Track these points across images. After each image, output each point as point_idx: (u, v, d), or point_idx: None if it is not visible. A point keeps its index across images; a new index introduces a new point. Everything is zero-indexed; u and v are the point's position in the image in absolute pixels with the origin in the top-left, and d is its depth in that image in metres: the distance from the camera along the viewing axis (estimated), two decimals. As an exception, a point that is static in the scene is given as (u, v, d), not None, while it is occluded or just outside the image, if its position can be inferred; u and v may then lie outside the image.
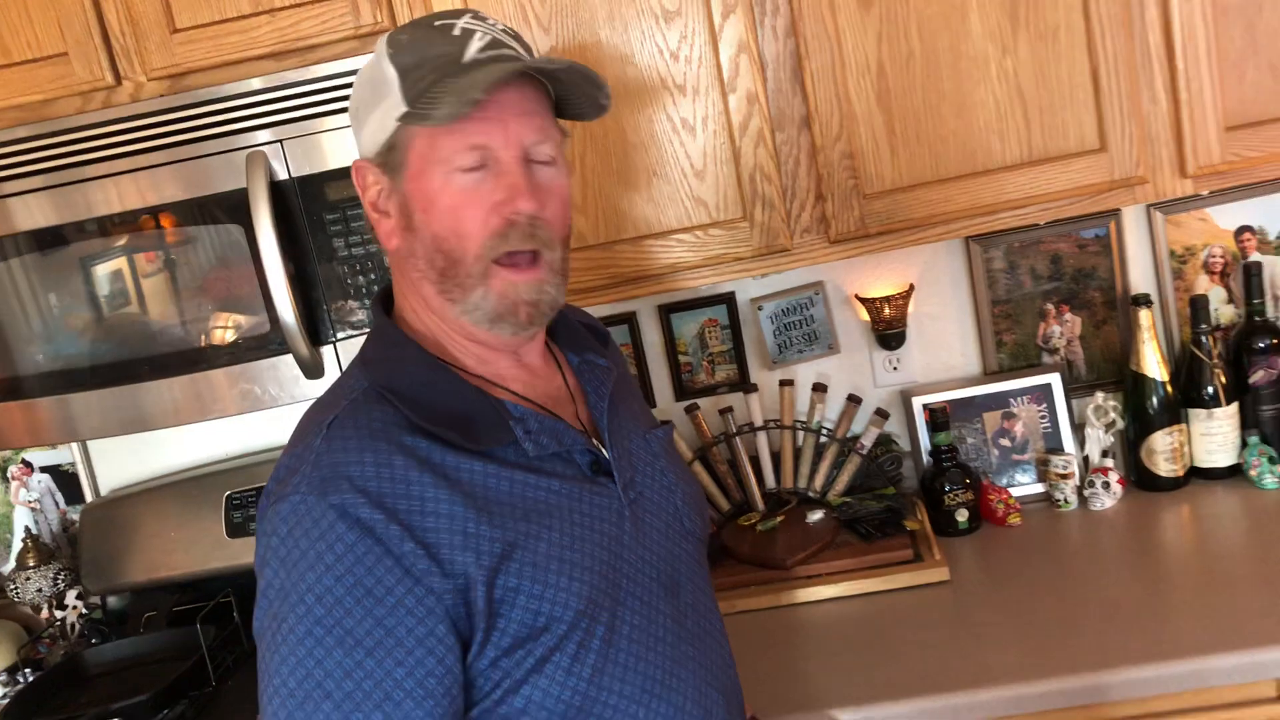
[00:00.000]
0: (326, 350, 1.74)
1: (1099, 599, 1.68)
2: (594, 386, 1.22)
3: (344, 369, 1.18)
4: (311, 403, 1.14)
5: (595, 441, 1.16)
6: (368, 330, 1.71)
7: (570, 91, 1.12)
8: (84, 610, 2.19)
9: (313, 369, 1.72)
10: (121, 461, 2.27)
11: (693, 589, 1.21)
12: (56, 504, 2.29)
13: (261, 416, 2.18)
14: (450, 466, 1.03)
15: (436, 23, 1.09)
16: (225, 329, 1.75)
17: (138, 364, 1.76)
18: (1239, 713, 1.49)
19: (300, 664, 0.95)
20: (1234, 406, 1.98)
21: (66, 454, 2.27)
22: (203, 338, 1.75)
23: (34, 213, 1.75)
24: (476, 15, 1.10)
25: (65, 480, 2.29)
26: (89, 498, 2.28)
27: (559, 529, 1.06)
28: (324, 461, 1.00)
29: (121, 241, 1.75)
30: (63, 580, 2.18)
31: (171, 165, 1.71)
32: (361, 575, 0.96)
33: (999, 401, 2.09)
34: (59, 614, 2.16)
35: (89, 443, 2.27)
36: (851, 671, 1.61)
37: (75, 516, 2.27)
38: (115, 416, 1.77)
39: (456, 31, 1.07)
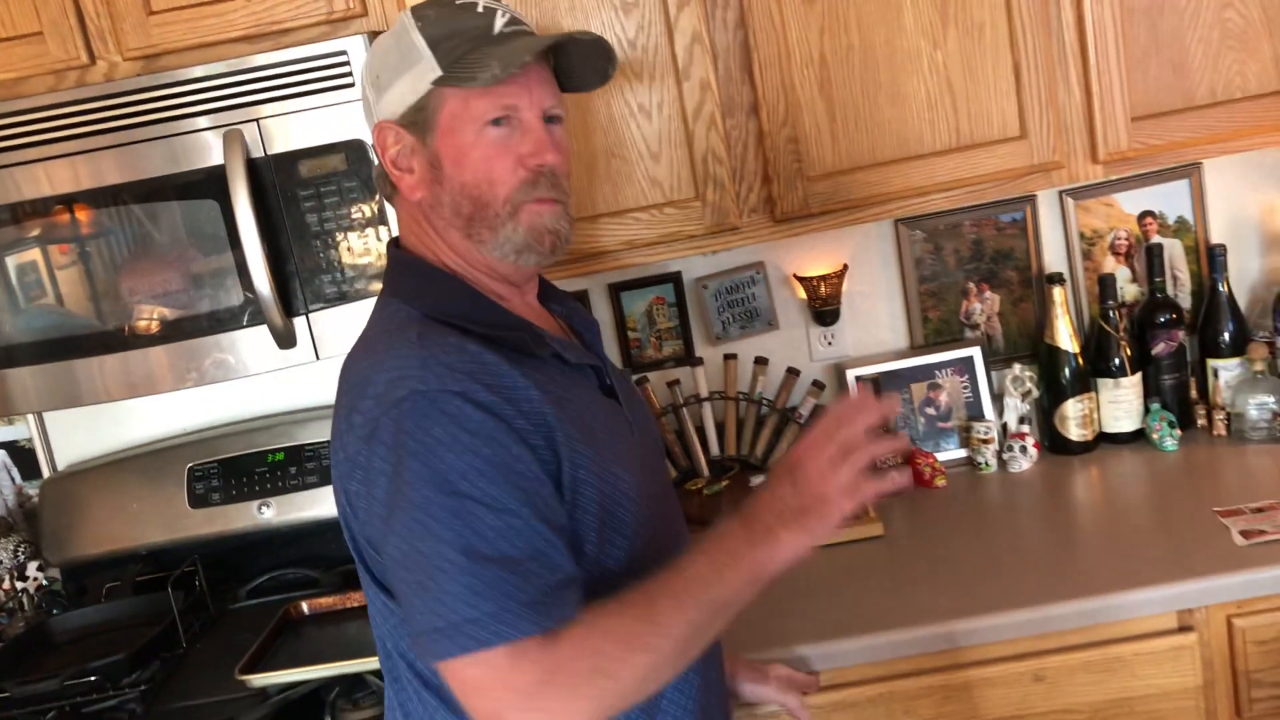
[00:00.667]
0: (299, 321, 1.81)
1: (1018, 549, 1.84)
2: (586, 329, 1.37)
3: (377, 308, 1.27)
4: (360, 341, 1.24)
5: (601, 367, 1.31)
6: (343, 301, 1.80)
7: (578, 64, 1.27)
8: (44, 582, 2.22)
9: (286, 339, 1.80)
10: (79, 437, 2.31)
11: (678, 516, 1.34)
12: (12, 479, 2.31)
13: (222, 391, 2.24)
14: (526, 363, 1.16)
15: (457, 2, 1.22)
16: (201, 300, 1.81)
17: (110, 335, 1.82)
18: (1146, 643, 1.65)
19: (460, 533, 1.05)
20: (1138, 376, 2.17)
21: (23, 429, 2.30)
22: (178, 309, 1.81)
23: (6, 187, 1.79)
24: None
25: (21, 456, 2.31)
26: (46, 473, 2.31)
27: (603, 430, 1.21)
28: (431, 363, 1.10)
29: (95, 216, 1.80)
30: (23, 552, 2.21)
31: (146, 143, 1.77)
32: (496, 449, 1.08)
33: (925, 373, 2.25)
34: (20, 585, 2.20)
35: (46, 419, 2.30)
36: (800, 615, 1.74)
37: (32, 492, 2.30)
38: (100, 383, 1.82)
39: (480, 9, 1.21)
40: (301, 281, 1.80)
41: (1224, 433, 2.13)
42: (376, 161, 1.27)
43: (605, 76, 1.29)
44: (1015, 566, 1.78)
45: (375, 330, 1.23)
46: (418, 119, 1.21)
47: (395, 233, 1.78)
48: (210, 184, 1.78)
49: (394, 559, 1.08)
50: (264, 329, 1.80)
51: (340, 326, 1.82)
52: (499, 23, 1.20)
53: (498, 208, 1.20)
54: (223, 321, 1.82)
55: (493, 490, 1.06)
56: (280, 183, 1.78)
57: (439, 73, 1.18)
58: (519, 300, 1.29)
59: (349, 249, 1.80)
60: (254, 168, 1.76)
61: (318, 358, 1.83)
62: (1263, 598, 1.64)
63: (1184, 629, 1.65)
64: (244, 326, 1.82)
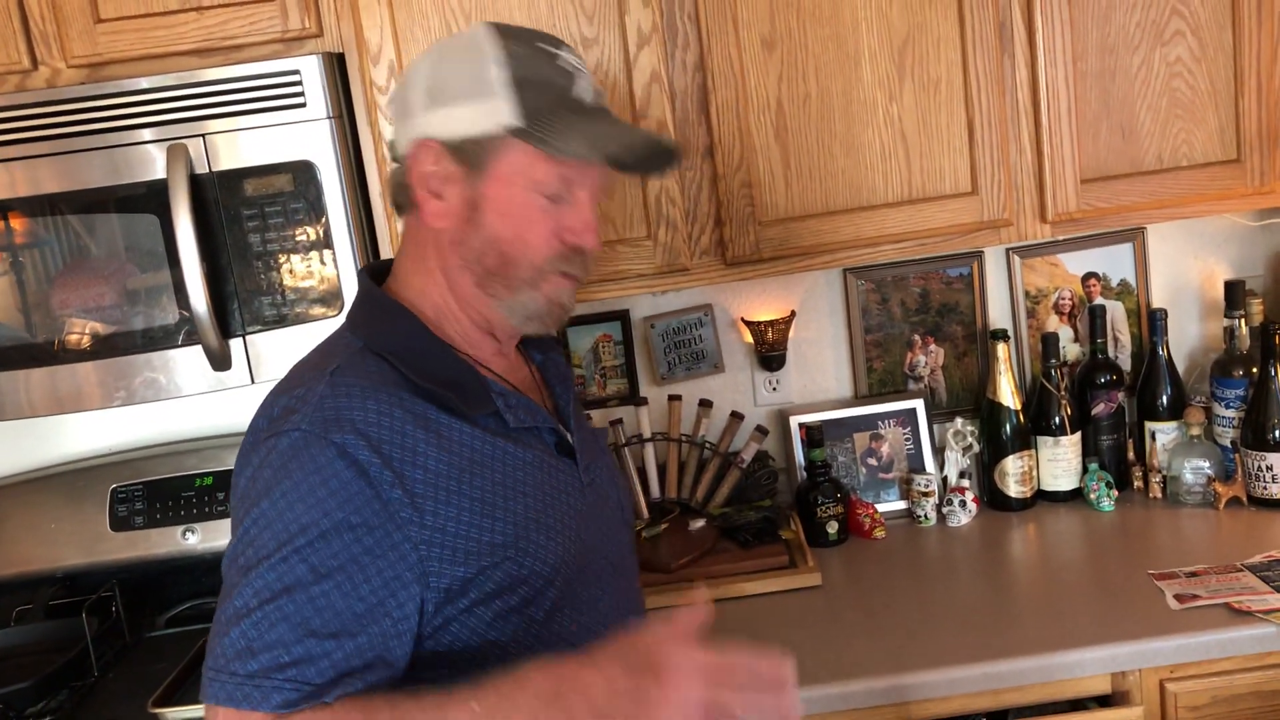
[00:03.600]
0: (235, 343, 1.77)
1: (955, 604, 1.84)
2: (558, 379, 1.34)
3: (327, 338, 1.24)
4: (297, 361, 1.20)
5: (560, 426, 1.26)
6: (282, 325, 1.76)
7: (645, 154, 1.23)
8: (-49, 602, 2.13)
9: (221, 361, 1.75)
10: (-2, 452, 2.23)
11: (630, 575, 1.31)
12: (-75, 493, 2.22)
13: (152, 411, 2.17)
14: (443, 425, 1.11)
15: (538, 43, 1.18)
16: (135, 317, 1.76)
17: (39, 348, 1.76)
18: (1091, 715, 1.65)
19: (270, 584, 1.00)
20: (1077, 436, 2.18)
21: (-61, 443, 2.21)
22: (111, 325, 1.76)
23: (-62, 191, 1.73)
24: (569, 48, 1.20)
25: (-64, 469, 2.22)
26: (-40, 488, 2.22)
27: (534, 495, 1.15)
28: (328, 404, 1.06)
29: (29, 225, 1.75)
30: (-69, 570, 2.12)
31: (87, 153, 1.72)
32: (349, 513, 1.03)
33: (868, 423, 2.25)
34: (-75, 605, 2.10)
35: (-37, 432, 2.22)
36: (733, 665, 1.72)
37: (-55, 506, 2.21)
38: (25, 398, 1.76)
39: (561, 63, 1.17)
40: (240, 302, 1.76)
41: (1159, 495, 2.15)
42: (394, 165, 1.22)
43: (662, 174, 1.35)
44: (952, 622, 1.77)
45: (312, 354, 1.20)
46: (471, 152, 1.15)
47: (349, 256, 1.75)
48: (151, 198, 1.73)
49: (224, 581, 1.06)
50: (198, 349, 1.75)
51: (278, 350, 1.78)
52: (585, 90, 1.18)
53: (524, 271, 1.18)
54: (156, 340, 1.77)
55: (324, 555, 1.02)
56: (224, 200, 1.74)
57: (518, 124, 1.14)
58: (492, 349, 1.25)
59: (291, 271, 1.76)
60: (197, 184, 1.72)
61: (253, 381, 1.79)
62: (1195, 663, 1.65)
63: (1125, 702, 1.65)
64: (178, 346, 1.77)
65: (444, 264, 1.19)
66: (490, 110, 1.14)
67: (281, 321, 1.77)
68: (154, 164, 1.71)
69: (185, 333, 1.76)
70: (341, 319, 1.74)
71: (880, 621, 1.81)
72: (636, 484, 2.19)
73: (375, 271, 1.27)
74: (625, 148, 1.16)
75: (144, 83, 1.71)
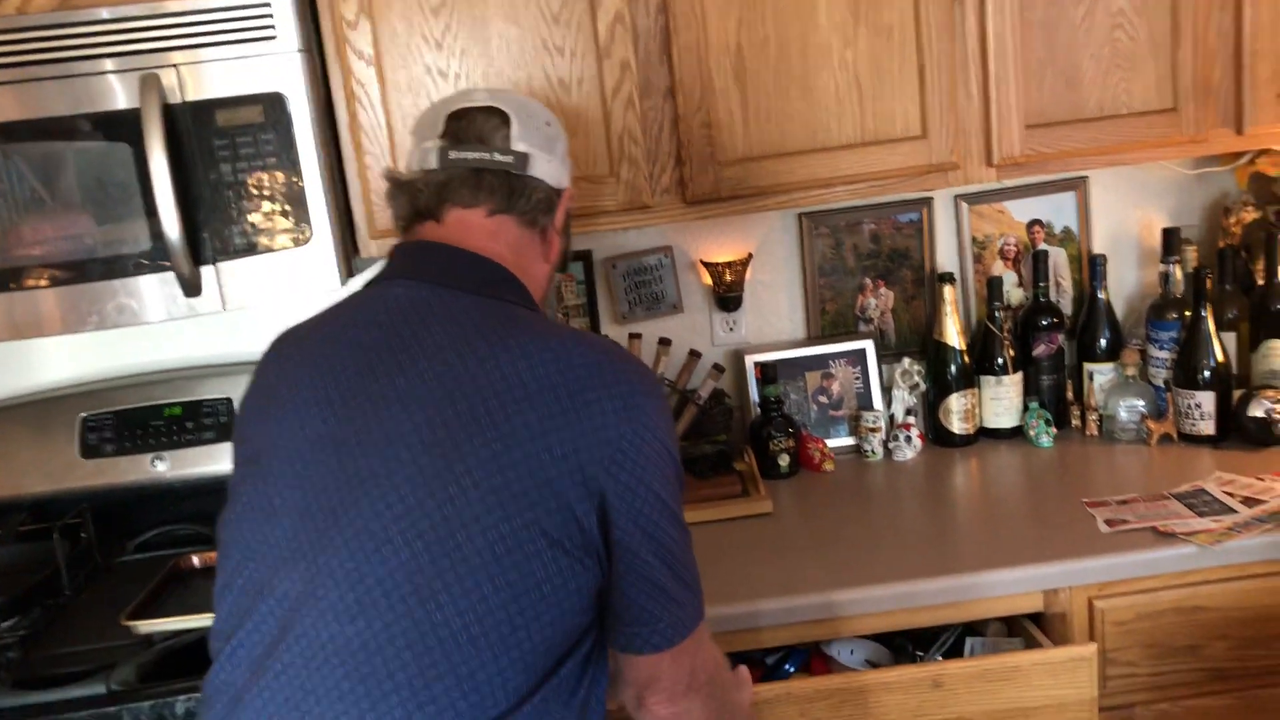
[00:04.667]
0: (206, 270, 1.81)
1: (897, 530, 1.93)
2: None
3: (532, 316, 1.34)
4: (574, 333, 1.27)
5: None
6: (252, 253, 1.80)
7: None
8: (-80, 528, 2.16)
9: (192, 287, 1.79)
10: (-34, 382, 2.26)
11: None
12: (-108, 422, 2.24)
13: (121, 341, 2.21)
14: None
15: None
16: (108, 244, 1.79)
17: (7, 274, 1.79)
18: (1044, 653, 1.68)
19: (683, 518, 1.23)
20: (1019, 376, 2.28)
21: (-93, 371, 2.24)
22: (84, 251, 1.79)
23: (-92, 117, 1.75)
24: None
25: (-97, 399, 2.25)
26: (-72, 417, 2.24)
27: None
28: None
29: (2, 151, 1.77)
30: (-100, 496, 2.15)
31: (56, 80, 1.75)
32: None
33: (820, 363, 2.33)
34: (-105, 530, 2.13)
35: (-69, 362, 2.24)
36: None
37: (-87, 435, 2.24)
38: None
39: None
40: (211, 231, 1.80)
41: (1096, 432, 2.26)
42: (545, 190, 1.35)
43: None
44: (894, 546, 1.86)
45: (559, 328, 1.28)
46: (569, 218, 1.44)
47: (318, 188, 1.81)
48: (124, 127, 1.76)
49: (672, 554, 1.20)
50: (170, 275, 1.79)
51: (248, 278, 1.82)
52: None
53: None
54: (128, 266, 1.80)
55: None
56: (195, 131, 1.77)
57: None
58: None
59: (261, 202, 1.80)
60: (170, 114, 1.76)
61: (224, 308, 1.83)
62: (1122, 581, 1.75)
63: (1059, 621, 1.76)
64: (149, 271, 1.81)
65: (535, 284, 1.34)
66: (568, 172, 1.41)
67: (251, 250, 1.82)
68: (126, 94, 1.75)
69: (157, 260, 1.80)
70: (311, 249, 1.83)
71: (826, 545, 1.89)
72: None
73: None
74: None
75: (105, 13, 1.73)
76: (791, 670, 1.80)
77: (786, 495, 2.15)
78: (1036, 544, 1.80)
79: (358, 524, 1.10)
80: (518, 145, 1.30)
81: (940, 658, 1.78)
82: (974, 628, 1.85)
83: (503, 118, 1.31)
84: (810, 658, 1.83)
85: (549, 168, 1.33)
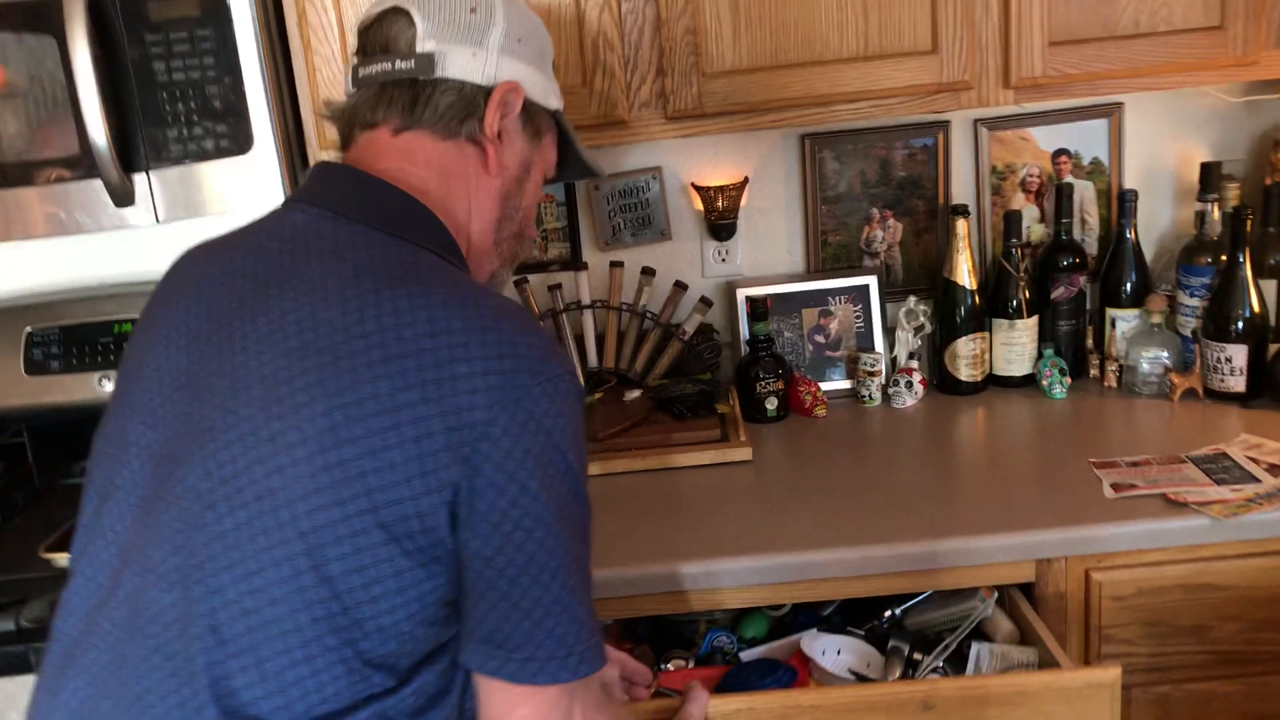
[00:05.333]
0: (139, 178, 1.67)
1: (886, 485, 1.77)
2: None
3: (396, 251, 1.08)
4: (436, 279, 1.04)
5: None
6: (187, 160, 1.65)
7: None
8: None
9: (123, 196, 1.66)
10: (-88, 290, 2.14)
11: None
12: None
13: (66, 252, 2.08)
14: None
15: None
16: (31, 147, 1.65)
17: (-70, 176, 1.66)
18: (1057, 676, 1.37)
19: (583, 543, 1.02)
20: (1034, 320, 2.10)
21: None
22: (7, 154, 1.66)
23: None
24: None
25: None
26: (-126, 326, 2.14)
27: None
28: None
29: (-83, 42, 1.63)
30: None
31: (-23, -35, 1.60)
32: None
33: (818, 299, 2.16)
34: None
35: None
36: (652, 535, 1.66)
37: None
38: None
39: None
40: (143, 136, 1.65)
41: (1114, 384, 2.07)
42: (460, 91, 1.12)
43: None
44: (880, 502, 1.70)
45: (430, 271, 1.04)
46: (535, 119, 1.20)
47: (260, 92, 1.64)
48: (48, 18, 1.61)
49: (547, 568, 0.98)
50: (99, 184, 1.65)
51: (184, 188, 1.68)
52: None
53: (524, 249, 1.26)
54: (54, 172, 1.67)
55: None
56: (125, 25, 1.62)
57: (560, 108, 1.25)
58: None
59: (197, 105, 1.65)
60: (96, 5, 1.60)
61: (158, 220, 1.69)
62: (1124, 553, 1.58)
63: (1047, 588, 1.60)
64: (77, 179, 1.67)
65: (480, 207, 1.16)
66: (551, 88, 1.23)
67: (187, 158, 1.67)
68: (44, -22, 1.59)
69: (86, 166, 1.66)
70: (252, 158, 1.68)
71: (807, 499, 1.74)
72: (573, 352, 2.11)
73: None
74: (588, 155, 1.33)
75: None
76: (769, 686, 1.52)
77: (771, 442, 1.99)
78: (1033, 508, 1.64)
79: (188, 482, 0.97)
80: (424, 45, 1.11)
81: (941, 666, 1.54)
82: (982, 632, 1.62)
83: (408, 18, 1.12)
84: (797, 677, 1.56)
85: (472, 63, 1.12)
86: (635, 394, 2.05)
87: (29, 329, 2.04)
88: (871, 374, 2.11)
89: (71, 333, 2.04)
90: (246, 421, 0.95)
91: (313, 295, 0.98)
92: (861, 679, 1.47)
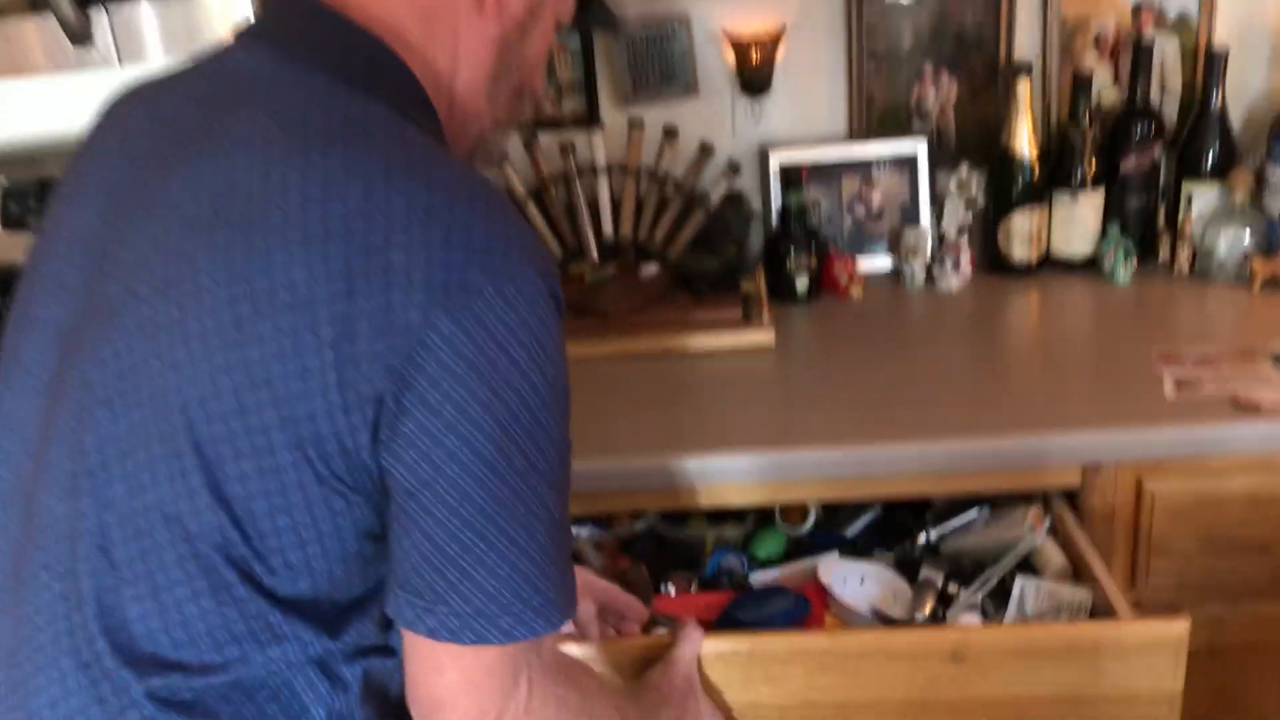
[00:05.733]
0: (97, 14, 1.50)
1: (920, 377, 1.60)
2: None
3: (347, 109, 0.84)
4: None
5: None
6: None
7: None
8: None
9: (79, 35, 1.49)
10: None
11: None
12: None
13: (47, 101, 1.93)
14: None
15: None
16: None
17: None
18: (1106, 626, 1.18)
19: (547, 485, 0.81)
20: (1100, 194, 1.88)
21: None
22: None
23: None
24: None
25: None
26: None
27: None
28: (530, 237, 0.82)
29: None
30: None
31: None
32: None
33: (860, 167, 1.95)
34: None
35: None
36: (656, 424, 1.51)
37: None
38: None
39: None
40: (100, -35, 1.48)
41: (1187, 269, 1.86)
42: None
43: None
44: (912, 396, 1.53)
45: (383, 140, 0.82)
46: None
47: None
48: None
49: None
50: (51, 19, 1.49)
51: (146, 26, 1.51)
52: None
53: (526, 105, 1.01)
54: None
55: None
56: None
57: None
58: None
59: (157, -70, 1.47)
60: None
61: (120, 62, 1.53)
62: (1182, 459, 1.41)
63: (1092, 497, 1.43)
64: (27, 12, 1.51)
65: (469, 56, 0.92)
66: None
67: (148, -9, 1.50)
68: None
69: None
70: None
71: (831, 389, 1.58)
72: (587, 222, 1.94)
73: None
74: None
75: None
76: (785, 625, 1.31)
77: (798, 325, 1.82)
78: (1084, 405, 1.46)
79: (84, 370, 0.81)
80: None
81: (978, 604, 1.32)
82: (1031, 565, 1.39)
83: None
84: (810, 609, 1.36)
85: None
86: (653, 269, 1.88)
87: (5, 183, 1.92)
88: (915, 252, 1.91)
89: (51, 187, 1.90)
90: (146, 304, 0.79)
91: (233, 155, 0.79)
92: (884, 619, 1.30)
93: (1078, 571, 1.34)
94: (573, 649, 1.16)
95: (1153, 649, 1.11)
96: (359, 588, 0.83)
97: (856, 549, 1.48)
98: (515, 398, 0.76)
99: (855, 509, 1.56)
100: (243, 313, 0.75)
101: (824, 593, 1.35)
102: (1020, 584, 1.33)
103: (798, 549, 1.52)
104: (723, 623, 1.31)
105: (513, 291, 0.76)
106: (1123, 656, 1.12)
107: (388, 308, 0.73)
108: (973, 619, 1.28)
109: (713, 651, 1.15)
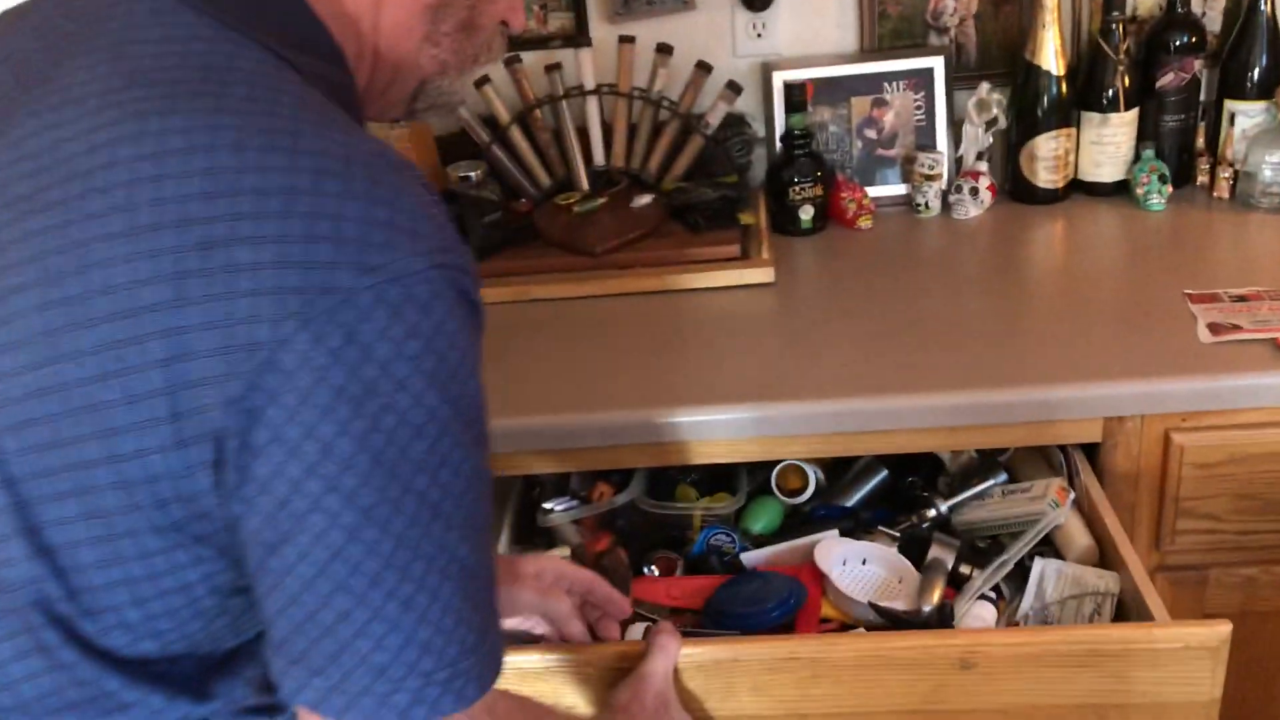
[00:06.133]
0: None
1: (930, 317, 1.47)
2: None
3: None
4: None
5: None
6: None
7: None
8: None
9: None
10: None
11: None
12: None
13: None
14: None
15: None
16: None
17: None
18: (1135, 630, 1.04)
19: (456, 533, 0.66)
20: (1133, 113, 1.72)
21: None
22: None
23: None
24: None
25: None
26: None
27: None
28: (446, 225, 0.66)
29: None
30: None
31: None
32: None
33: (872, 85, 1.80)
34: None
35: None
36: (640, 372, 1.40)
37: None
38: None
39: None
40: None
41: (1226, 195, 1.71)
42: None
43: None
44: (919, 339, 1.41)
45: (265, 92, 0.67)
46: None
47: None
48: None
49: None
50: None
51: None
52: None
53: (486, 50, 0.84)
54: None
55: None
56: None
57: None
58: None
59: None
60: None
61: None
62: (1216, 411, 1.28)
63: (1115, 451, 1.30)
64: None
65: (407, 21, 0.77)
66: None
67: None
68: None
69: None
70: None
71: (833, 332, 1.45)
72: (576, 148, 1.80)
73: None
74: None
75: None
76: (777, 616, 1.18)
77: (801, 259, 1.69)
78: (1108, 350, 1.33)
79: None
80: None
81: (991, 595, 1.20)
82: (1057, 547, 1.26)
83: None
84: (807, 597, 1.23)
85: None
86: (646, 200, 1.75)
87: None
88: (930, 178, 1.76)
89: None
90: None
91: (63, 112, 0.65)
92: (884, 613, 1.17)
93: (1104, 552, 1.22)
94: (536, 657, 1.06)
95: (1189, 656, 0.99)
96: (230, 641, 0.71)
97: (859, 522, 1.36)
98: (404, 430, 0.61)
99: (859, 475, 1.44)
100: (56, 322, 0.60)
101: (822, 575, 1.24)
102: (1040, 566, 1.21)
103: (795, 521, 1.41)
104: (709, 613, 1.20)
105: (398, 294, 0.60)
106: (1155, 663, 1.00)
107: (229, 319, 0.58)
108: (985, 610, 1.17)
109: (691, 662, 1.05)
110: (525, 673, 1.07)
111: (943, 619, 1.13)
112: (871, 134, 1.82)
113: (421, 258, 0.61)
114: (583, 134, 1.81)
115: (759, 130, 1.86)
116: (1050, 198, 1.77)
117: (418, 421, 0.61)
